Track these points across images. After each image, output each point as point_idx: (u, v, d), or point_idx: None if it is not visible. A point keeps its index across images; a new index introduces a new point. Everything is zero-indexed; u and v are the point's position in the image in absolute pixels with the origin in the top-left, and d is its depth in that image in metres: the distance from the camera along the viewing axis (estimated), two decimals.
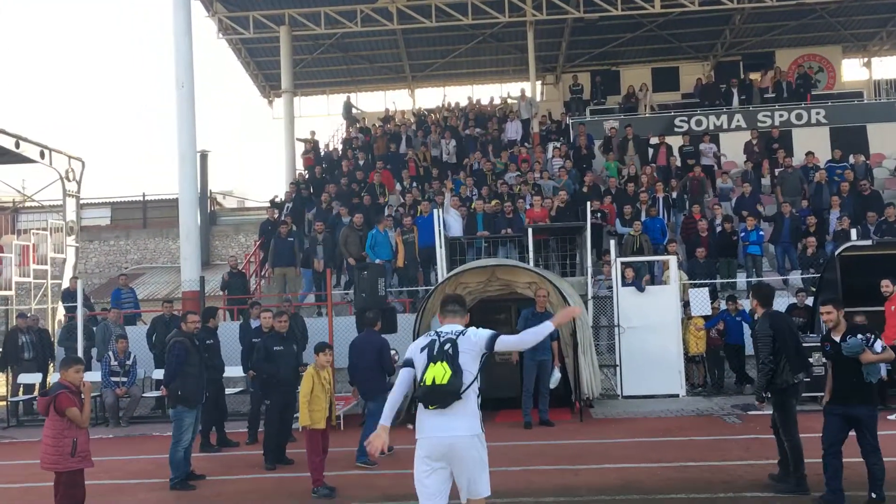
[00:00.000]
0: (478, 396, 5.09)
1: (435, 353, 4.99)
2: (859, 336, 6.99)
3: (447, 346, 5.00)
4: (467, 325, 5.26)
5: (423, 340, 5.16)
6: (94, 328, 14.78)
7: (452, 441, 4.92)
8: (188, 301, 14.44)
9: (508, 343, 5.25)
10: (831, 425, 7.18)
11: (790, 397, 7.74)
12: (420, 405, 5.01)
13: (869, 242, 12.34)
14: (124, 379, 13.16)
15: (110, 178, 75.59)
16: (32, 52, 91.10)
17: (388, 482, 8.48)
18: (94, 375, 13.69)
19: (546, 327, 5.26)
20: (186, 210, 15.07)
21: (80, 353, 13.93)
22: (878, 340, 6.98)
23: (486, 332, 5.14)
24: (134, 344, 14.07)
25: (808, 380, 8.96)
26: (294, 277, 16.53)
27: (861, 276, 11.86)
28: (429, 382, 4.90)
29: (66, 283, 20.71)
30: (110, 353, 13.30)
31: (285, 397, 9.72)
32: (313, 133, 25.19)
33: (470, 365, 4.99)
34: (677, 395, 13.13)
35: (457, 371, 4.91)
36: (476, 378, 5.03)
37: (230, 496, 8.37)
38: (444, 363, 4.91)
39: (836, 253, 12.07)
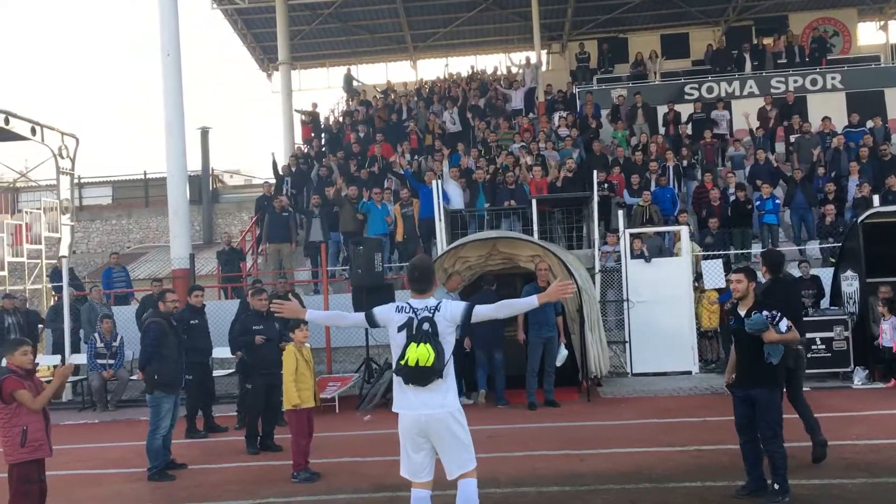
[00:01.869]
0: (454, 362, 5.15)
1: (414, 332, 4.96)
2: (765, 313, 6.25)
3: (425, 325, 4.96)
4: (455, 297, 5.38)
5: (397, 315, 5.07)
6: (81, 308, 14.21)
7: (429, 418, 4.98)
8: (178, 279, 13.85)
9: (485, 313, 5.17)
10: (736, 409, 6.56)
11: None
12: (399, 380, 5.05)
13: None
14: (111, 361, 12.60)
15: (113, 156, 75.11)
16: (26, 31, 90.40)
17: (378, 470, 7.88)
18: (81, 358, 13.22)
19: (529, 301, 5.28)
20: (175, 185, 14.44)
21: (66, 335, 13.45)
22: (784, 319, 6.23)
23: (460, 306, 5.13)
24: (125, 324, 13.54)
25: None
26: (289, 253, 15.91)
27: (885, 244, 11.17)
28: (412, 363, 4.89)
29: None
30: (96, 334, 12.76)
31: (269, 379, 9.08)
32: (315, 105, 24.47)
33: (448, 341, 5.04)
34: (690, 373, 12.51)
35: (439, 352, 4.92)
36: (453, 351, 5.10)
37: (210, 486, 7.79)
38: (427, 345, 4.89)
39: (860, 220, 11.33)
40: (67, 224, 23.38)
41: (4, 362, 6.15)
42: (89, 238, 30.67)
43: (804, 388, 10.57)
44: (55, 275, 16.24)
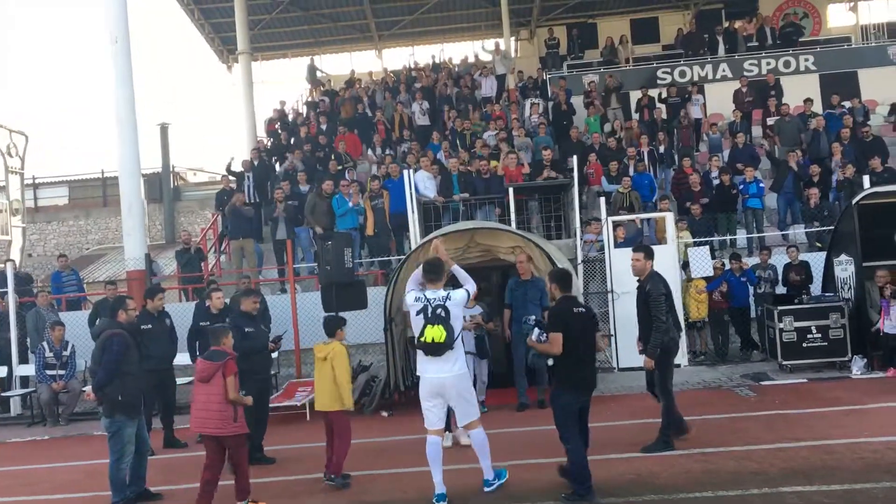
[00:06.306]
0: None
1: (430, 316, 6.40)
2: (532, 318, 7.11)
3: (439, 310, 6.39)
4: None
5: (416, 303, 6.48)
6: (26, 315, 13.22)
7: (444, 380, 6.48)
8: (133, 281, 12.95)
9: (471, 288, 6.73)
10: None
11: (673, 356, 8.09)
12: (420, 353, 6.53)
13: (895, 188, 11.07)
14: (61, 371, 11.67)
15: (70, 155, 72.96)
16: None
17: (354, 486, 7.15)
18: (28, 369, 12.29)
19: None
20: (127, 180, 13.56)
21: (13, 344, 12.50)
22: (536, 329, 6.77)
23: (461, 292, 6.60)
24: (76, 331, 12.60)
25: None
26: (252, 250, 15.05)
27: (881, 226, 10.66)
28: (429, 340, 6.35)
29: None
30: (44, 342, 11.81)
31: (260, 385, 8.31)
32: (283, 103, 23.52)
33: (457, 321, 6.49)
34: (679, 366, 11.82)
35: (450, 330, 6.39)
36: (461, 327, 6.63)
37: None
38: (440, 325, 6.35)
39: (854, 202, 10.79)
40: (18, 226, 22.27)
41: None
42: (45, 240, 29.48)
43: (801, 380, 10.16)
44: (2, 279, 15.20)
